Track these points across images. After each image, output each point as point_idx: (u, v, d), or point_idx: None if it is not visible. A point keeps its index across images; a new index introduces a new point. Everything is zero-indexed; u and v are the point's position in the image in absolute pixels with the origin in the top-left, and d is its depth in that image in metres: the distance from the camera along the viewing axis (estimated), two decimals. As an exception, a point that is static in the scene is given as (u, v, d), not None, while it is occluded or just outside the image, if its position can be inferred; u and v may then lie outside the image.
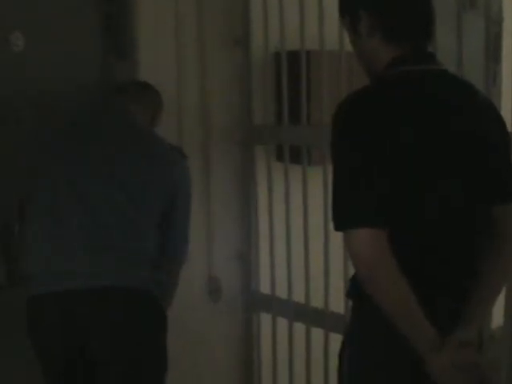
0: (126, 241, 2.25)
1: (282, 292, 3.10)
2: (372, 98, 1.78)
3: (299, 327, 3.06)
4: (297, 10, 2.85)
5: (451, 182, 1.79)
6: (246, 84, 3.14)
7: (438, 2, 2.18)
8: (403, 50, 1.82)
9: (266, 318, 3.21)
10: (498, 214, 1.88)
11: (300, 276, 2.99)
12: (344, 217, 1.74)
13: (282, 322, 3.13)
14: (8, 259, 2.49)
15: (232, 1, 3.07)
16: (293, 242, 3.03)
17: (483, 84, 2.44)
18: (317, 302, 2.95)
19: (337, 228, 1.76)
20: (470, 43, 2.42)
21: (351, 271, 1.82)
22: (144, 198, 2.28)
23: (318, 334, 2.96)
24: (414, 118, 1.76)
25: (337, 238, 1.90)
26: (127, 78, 2.72)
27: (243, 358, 3.30)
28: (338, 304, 2.71)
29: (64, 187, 2.25)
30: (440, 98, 1.81)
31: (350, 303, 1.96)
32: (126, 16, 2.77)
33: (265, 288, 3.20)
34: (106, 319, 2.21)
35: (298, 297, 3.03)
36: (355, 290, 1.85)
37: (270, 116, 3.13)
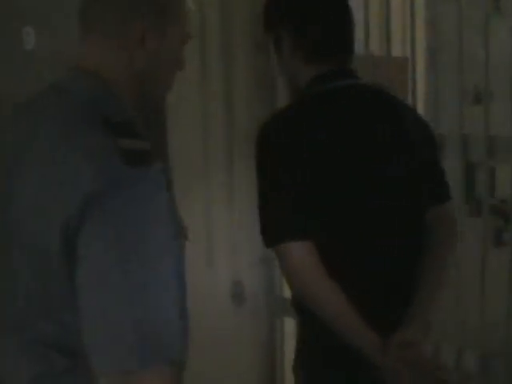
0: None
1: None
2: (290, 118, 1.82)
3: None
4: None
5: (379, 191, 1.80)
6: (270, 87, 3.14)
7: (463, 7, 2.17)
8: (323, 68, 1.85)
9: (289, 323, 3.20)
10: (432, 215, 1.90)
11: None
12: (271, 233, 1.77)
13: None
14: None
15: (254, 5, 3.07)
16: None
17: (509, 89, 2.42)
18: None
19: (267, 245, 1.79)
20: (495, 47, 2.41)
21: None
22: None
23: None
24: (334, 133, 1.78)
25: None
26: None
27: (267, 363, 3.30)
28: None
29: None
30: (359, 111, 1.83)
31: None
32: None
33: (288, 293, 3.18)
34: None
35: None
36: (297, 305, 1.90)
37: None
